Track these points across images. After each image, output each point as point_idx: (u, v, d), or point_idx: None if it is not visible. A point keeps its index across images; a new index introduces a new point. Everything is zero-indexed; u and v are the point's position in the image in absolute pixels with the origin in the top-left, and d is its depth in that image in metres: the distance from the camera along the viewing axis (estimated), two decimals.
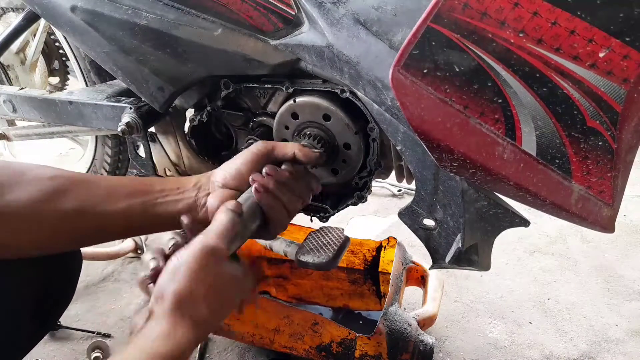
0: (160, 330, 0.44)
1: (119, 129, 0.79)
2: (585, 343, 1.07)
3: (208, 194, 0.60)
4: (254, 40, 0.65)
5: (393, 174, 0.77)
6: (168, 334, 0.44)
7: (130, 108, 0.80)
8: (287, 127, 0.73)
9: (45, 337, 1.13)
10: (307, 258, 0.67)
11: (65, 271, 0.69)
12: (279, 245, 0.79)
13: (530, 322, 1.14)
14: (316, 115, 0.69)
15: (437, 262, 0.69)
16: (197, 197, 0.59)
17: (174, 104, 0.82)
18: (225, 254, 0.50)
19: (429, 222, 0.67)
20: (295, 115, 0.71)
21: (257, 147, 0.62)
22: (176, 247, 0.51)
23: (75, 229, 0.54)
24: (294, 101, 0.69)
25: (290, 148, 0.63)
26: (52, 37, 1.25)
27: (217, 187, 0.60)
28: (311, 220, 0.83)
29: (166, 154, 0.91)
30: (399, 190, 1.76)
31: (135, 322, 0.47)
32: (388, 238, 1.07)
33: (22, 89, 0.97)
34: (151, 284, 0.49)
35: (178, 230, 0.59)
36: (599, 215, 0.49)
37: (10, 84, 1.24)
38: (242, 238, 0.54)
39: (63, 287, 0.69)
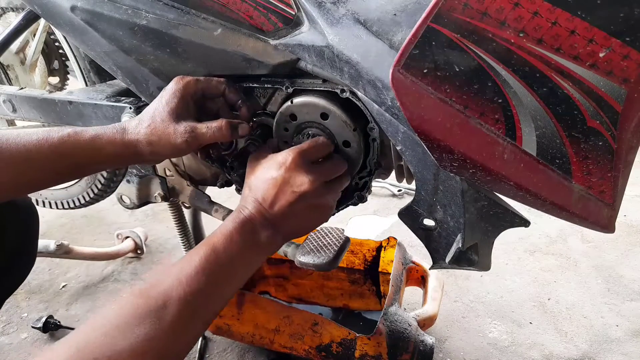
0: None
1: None
2: (585, 343, 1.07)
3: None
4: (254, 40, 0.65)
5: (393, 174, 0.77)
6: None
7: (130, 108, 0.80)
8: (286, 129, 0.73)
9: (45, 336, 1.13)
10: (307, 258, 0.67)
11: (21, 223, 0.75)
12: None
13: (530, 322, 1.14)
14: (314, 114, 0.69)
15: (437, 262, 0.69)
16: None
17: None
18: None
19: (429, 222, 0.67)
20: (293, 117, 0.71)
21: (179, 90, 0.63)
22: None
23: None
24: (292, 102, 0.69)
25: (216, 84, 0.67)
26: (52, 37, 1.25)
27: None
28: None
29: None
30: (399, 190, 1.76)
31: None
32: (388, 238, 1.07)
33: (22, 89, 0.97)
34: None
35: None
36: (600, 215, 0.49)
37: (10, 84, 1.24)
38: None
39: (21, 241, 0.74)
